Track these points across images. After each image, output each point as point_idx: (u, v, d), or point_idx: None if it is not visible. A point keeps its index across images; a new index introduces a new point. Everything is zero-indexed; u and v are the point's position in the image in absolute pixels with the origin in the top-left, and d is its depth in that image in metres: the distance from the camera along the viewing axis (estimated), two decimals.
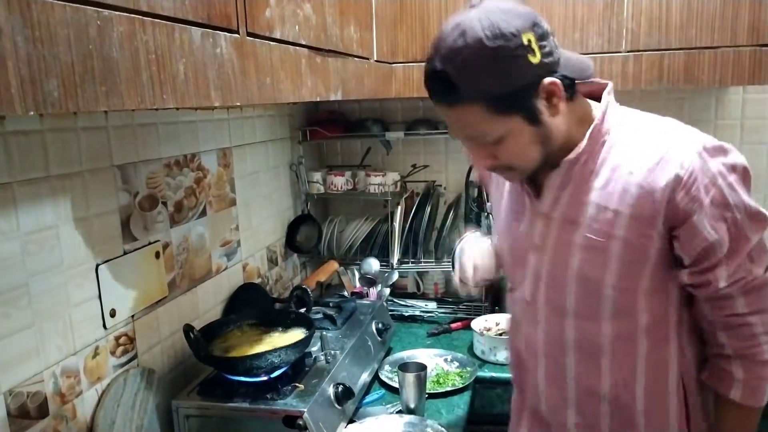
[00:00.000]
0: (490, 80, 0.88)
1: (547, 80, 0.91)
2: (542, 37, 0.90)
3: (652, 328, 1.03)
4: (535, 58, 0.88)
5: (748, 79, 1.68)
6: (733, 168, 0.94)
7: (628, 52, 1.72)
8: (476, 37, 0.86)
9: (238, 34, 0.88)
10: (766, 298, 0.98)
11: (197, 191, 1.51)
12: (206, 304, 1.56)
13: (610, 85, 1.04)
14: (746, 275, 0.96)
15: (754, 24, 1.64)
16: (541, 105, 0.93)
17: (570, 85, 0.96)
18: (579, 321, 1.05)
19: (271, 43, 0.98)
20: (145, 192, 1.31)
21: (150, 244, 1.32)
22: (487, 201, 2.01)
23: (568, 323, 1.07)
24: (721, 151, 0.94)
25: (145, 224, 1.31)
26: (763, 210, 0.96)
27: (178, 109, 1.39)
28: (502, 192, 1.19)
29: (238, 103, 0.89)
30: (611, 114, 1.01)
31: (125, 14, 0.64)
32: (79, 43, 0.57)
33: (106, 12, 0.61)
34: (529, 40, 0.87)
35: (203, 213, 1.54)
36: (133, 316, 1.27)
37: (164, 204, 1.38)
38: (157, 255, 1.34)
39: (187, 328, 1.29)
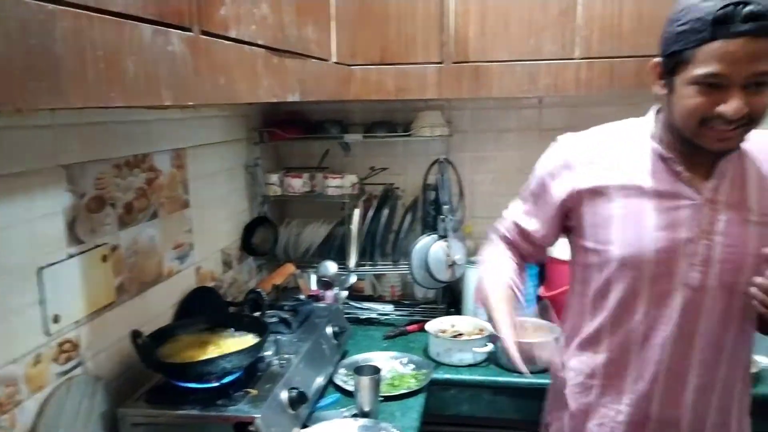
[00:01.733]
0: None
1: None
2: None
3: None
4: None
5: None
6: None
7: (581, 58, 1.77)
8: None
9: (192, 32, 0.86)
10: None
11: (148, 193, 1.47)
12: (157, 308, 1.51)
13: None
14: None
15: None
16: None
17: None
18: (747, 299, 1.07)
19: (226, 42, 0.95)
20: (93, 193, 1.27)
21: (97, 247, 1.27)
22: (444, 203, 2.03)
23: (735, 304, 1.12)
24: None
25: (92, 226, 1.26)
26: None
27: (130, 107, 1.35)
28: (631, 190, 1.15)
29: (191, 103, 0.87)
30: None
31: (71, 9, 0.61)
32: (22, 38, 0.55)
33: (50, 6, 0.58)
34: None
35: (154, 215, 1.49)
36: (77, 321, 1.22)
37: (113, 205, 1.33)
38: (105, 258, 1.30)
39: (135, 334, 1.25)
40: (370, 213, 2.13)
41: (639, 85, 1.74)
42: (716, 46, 0.96)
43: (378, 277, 2.30)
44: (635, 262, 1.13)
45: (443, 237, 2.02)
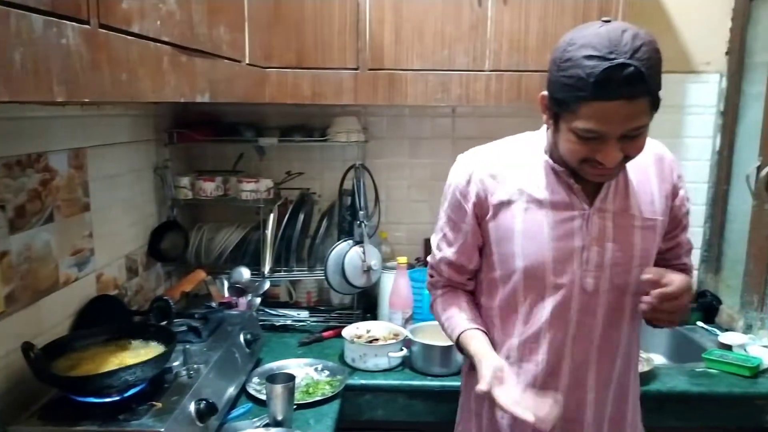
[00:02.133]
0: (659, 77, 1.03)
1: None
2: None
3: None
4: None
5: None
6: None
7: (491, 71, 1.83)
8: (648, 38, 1.01)
9: (89, 25, 0.81)
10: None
11: (43, 195, 1.37)
12: (52, 319, 1.41)
13: None
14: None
15: None
16: None
17: None
18: (635, 298, 1.19)
19: (128, 37, 0.91)
20: None
21: None
22: (360, 208, 2.04)
23: (626, 302, 1.22)
24: None
25: None
26: None
27: (21, 103, 1.26)
28: (531, 200, 1.19)
29: (87, 99, 0.82)
30: None
31: None
32: None
33: None
34: None
35: (50, 219, 1.40)
36: None
37: (2, 208, 1.24)
38: None
39: (26, 346, 1.16)
40: (286, 218, 2.10)
41: None
42: (595, 106, 1.00)
43: (293, 283, 2.27)
44: (537, 272, 1.18)
45: (359, 242, 2.03)
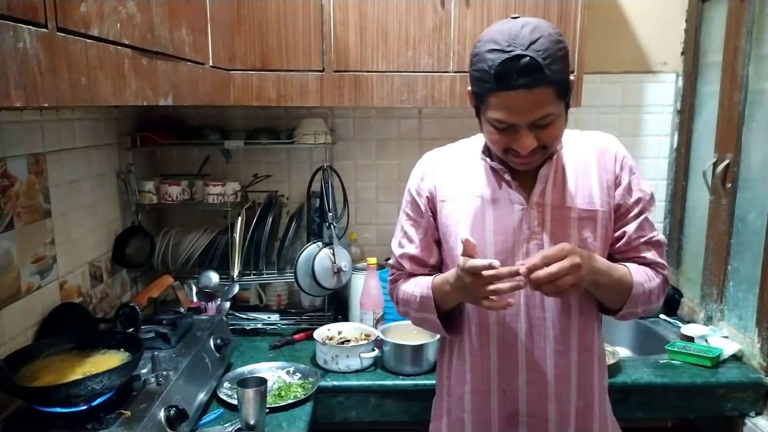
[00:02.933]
0: (561, 66, 1.07)
1: (572, 77, 1.13)
2: None
3: None
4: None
5: None
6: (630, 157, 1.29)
7: (455, 72, 1.86)
8: (547, 30, 1.06)
9: (47, 28, 0.80)
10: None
11: (2, 201, 1.34)
12: (14, 328, 1.38)
13: None
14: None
15: None
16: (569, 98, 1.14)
17: None
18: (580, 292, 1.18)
19: (87, 40, 0.90)
20: None
21: None
22: (328, 210, 2.04)
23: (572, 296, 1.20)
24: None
25: None
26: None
27: None
28: (473, 197, 1.24)
29: (46, 104, 0.80)
30: None
31: None
32: None
33: None
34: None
35: (10, 226, 1.36)
36: None
37: None
38: None
39: None
40: (254, 221, 2.09)
41: None
42: (500, 96, 1.08)
43: (263, 286, 2.26)
44: None
45: (328, 244, 2.03)
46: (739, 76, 1.88)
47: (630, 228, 1.25)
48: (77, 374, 1.22)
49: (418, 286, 1.29)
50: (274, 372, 1.76)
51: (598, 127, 2.26)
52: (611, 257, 1.26)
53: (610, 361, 1.78)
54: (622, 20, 2.24)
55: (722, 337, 1.92)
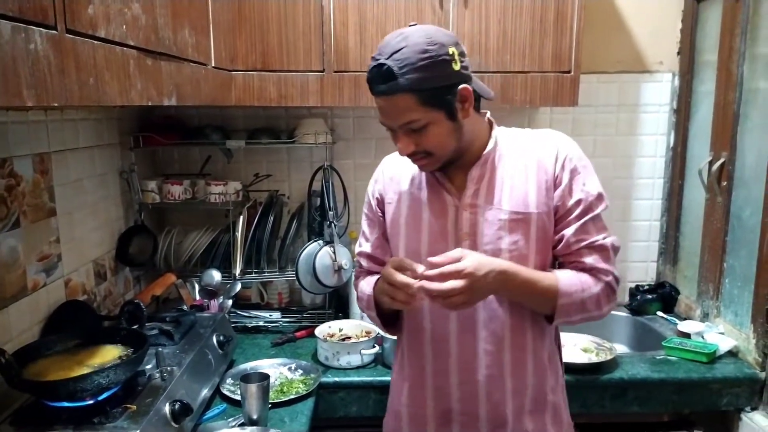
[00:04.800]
0: (422, 75, 1.08)
1: (463, 86, 1.13)
2: (462, 54, 1.14)
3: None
4: (457, 67, 1.11)
5: (552, 101, 1.92)
6: (582, 155, 1.25)
7: None
8: (415, 41, 1.08)
9: (56, 30, 0.82)
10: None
11: (8, 200, 1.36)
12: (20, 325, 1.40)
13: (488, 112, 1.29)
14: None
15: (556, 53, 1.89)
16: (458, 105, 1.14)
17: (477, 100, 1.22)
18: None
19: (95, 42, 0.92)
20: None
21: None
22: (329, 209, 2.06)
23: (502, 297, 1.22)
24: (575, 144, 1.26)
25: None
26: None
27: None
28: (412, 200, 1.28)
29: (56, 104, 0.83)
30: (499, 127, 1.29)
31: None
32: None
33: None
34: (453, 52, 1.11)
35: (16, 224, 1.38)
36: None
37: None
38: None
39: None
40: (255, 220, 2.11)
41: (504, 98, 1.89)
42: (376, 101, 1.15)
43: (265, 284, 2.28)
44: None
45: (329, 243, 2.05)
46: (734, 76, 1.90)
47: (568, 231, 1.20)
48: (83, 370, 1.24)
49: (369, 285, 1.34)
50: (276, 368, 1.78)
51: (596, 127, 2.32)
52: (555, 259, 1.25)
53: (607, 357, 1.81)
54: (618, 20, 2.27)
55: (718, 333, 1.94)
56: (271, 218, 2.12)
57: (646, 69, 2.30)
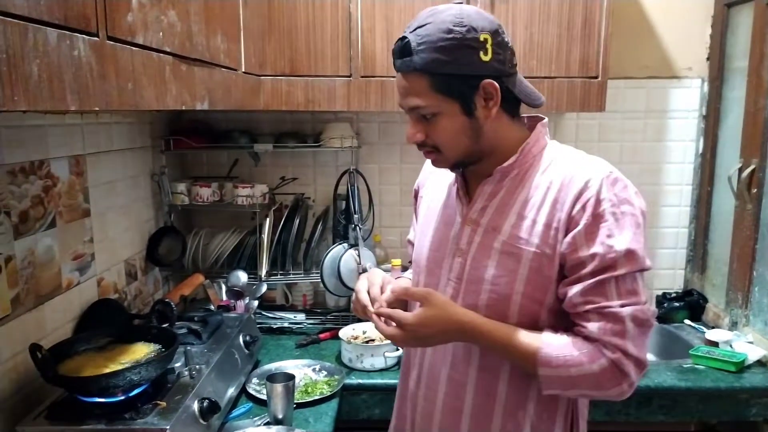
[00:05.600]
0: (440, 57, 0.97)
1: (488, 81, 1.00)
2: (499, 44, 1.01)
3: None
4: (486, 57, 0.99)
5: (579, 107, 1.91)
6: (626, 201, 1.00)
7: None
8: (443, 19, 0.98)
9: (98, 37, 0.85)
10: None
11: (45, 200, 1.40)
12: (54, 322, 1.44)
13: (546, 120, 1.14)
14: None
15: (584, 58, 1.88)
16: (479, 101, 1.02)
17: (514, 104, 1.08)
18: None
19: (133, 48, 0.95)
20: None
21: None
22: (354, 212, 2.08)
23: None
24: (622, 185, 1.01)
25: None
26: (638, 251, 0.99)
27: (24, 112, 1.29)
28: (437, 200, 1.22)
29: (97, 108, 0.86)
30: (542, 140, 1.11)
31: None
32: None
33: None
34: (486, 39, 0.98)
35: (52, 224, 1.43)
36: None
37: (7, 214, 1.27)
38: None
39: (34, 347, 1.19)
40: (281, 222, 2.14)
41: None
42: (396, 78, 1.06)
43: (289, 286, 2.31)
44: (417, 266, 1.23)
45: (354, 246, 2.07)
46: (765, 82, 1.88)
47: (575, 288, 0.99)
48: (115, 366, 1.28)
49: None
50: (300, 369, 1.80)
51: (623, 133, 2.30)
52: (563, 311, 1.04)
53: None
54: (646, 25, 2.25)
55: (747, 342, 1.91)
56: (297, 221, 2.15)
57: (674, 75, 2.28)
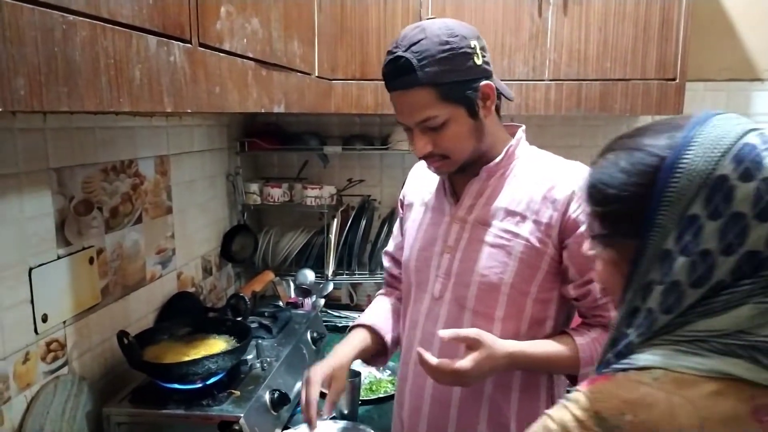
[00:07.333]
0: (442, 68, 1.02)
1: (485, 82, 1.07)
2: (483, 48, 1.09)
3: (527, 335, 1.12)
4: (479, 61, 1.06)
5: (655, 109, 1.86)
6: None
7: (550, 80, 1.87)
8: (435, 32, 1.03)
9: (191, 43, 0.91)
10: None
11: (133, 197, 1.50)
12: (139, 312, 1.54)
13: (524, 127, 1.21)
14: None
15: (661, 60, 1.82)
16: (479, 103, 1.08)
17: (498, 102, 1.14)
18: (475, 318, 1.12)
19: (221, 54, 1.01)
20: (81, 196, 1.30)
21: (84, 249, 1.30)
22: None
23: (465, 319, 1.13)
24: None
25: (79, 229, 1.29)
26: None
27: (117, 114, 1.39)
28: (423, 205, 1.26)
29: (189, 110, 0.92)
30: (523, 143, 1.19)
31: (88, 20, 0.66)
32: (45, 45, 0.60)
33: (70, 17, 0.63)
34: (475, 45, 1.06)
35: (139, 220, 1.52)
36: (65, 321, 1.25)
37: (99, 209, 1.36)
38: (91, 261, 1.33)
39: (121, 334, 1.27)
40: (348, 223, 2.18)
41: (603, 107, 1.85)
42: (391, 97, 1.09)
43: (354, 286, 2.35)
44: (408, 271, 1.25)
45: None
46: None
47: (595, 284, 1.05)
48: (193, 355, 1.35)
49: (367, 312, 1.39)
50: (365, 367, 1.82)
51: None
52: (545, 301, 1.12)
53: None
54: (727, 26, 2.16)
55: None
56: (363, 222, 2.19)
57: (757, 77, 2.17)
